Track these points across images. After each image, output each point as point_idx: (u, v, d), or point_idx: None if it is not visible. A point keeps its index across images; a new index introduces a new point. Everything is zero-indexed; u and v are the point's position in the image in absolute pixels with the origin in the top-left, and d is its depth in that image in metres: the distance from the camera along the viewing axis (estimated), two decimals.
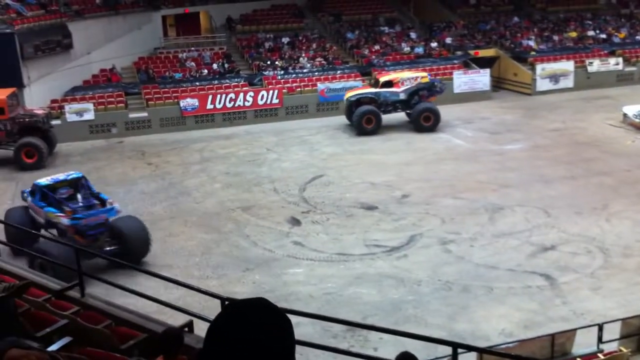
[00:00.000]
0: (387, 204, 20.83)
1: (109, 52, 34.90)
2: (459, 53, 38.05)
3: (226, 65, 35.14)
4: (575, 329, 11.56)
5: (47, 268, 11.67)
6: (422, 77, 30.93)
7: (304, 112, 33.16)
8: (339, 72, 34.97)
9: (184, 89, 32.87)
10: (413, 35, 40.14)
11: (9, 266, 9.09)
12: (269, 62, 35.65)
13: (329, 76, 34.37)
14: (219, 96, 32.23)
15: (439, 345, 8.20)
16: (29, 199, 18.22)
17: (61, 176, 18.69)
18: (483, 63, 37.24)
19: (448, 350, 6.99)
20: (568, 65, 37.36)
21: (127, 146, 29.37)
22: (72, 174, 18.67)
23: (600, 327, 11.18)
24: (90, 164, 26.50)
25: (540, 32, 41.18)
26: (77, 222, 16.72)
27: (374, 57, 36.99)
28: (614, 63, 38.10)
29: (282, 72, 34.93)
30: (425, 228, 18.85)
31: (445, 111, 33.25)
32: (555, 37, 40.41)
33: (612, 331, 11.43)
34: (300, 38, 38.78)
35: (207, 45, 37.69)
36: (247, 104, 32.60)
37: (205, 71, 34.69)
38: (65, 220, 16.75)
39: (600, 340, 11.20)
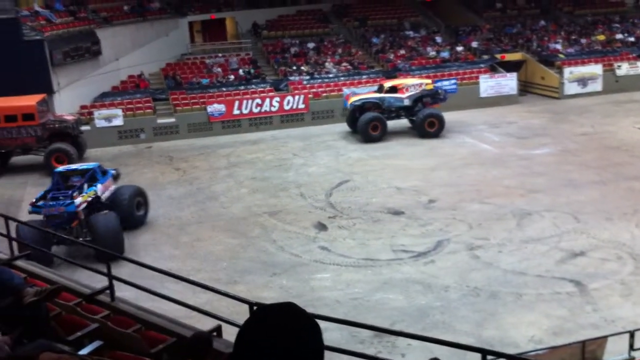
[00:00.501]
0: (414, 209, 20.75)
1: (137, 58, 35.31)
2: (485, 57, 37.84)
3: (252, 71, 35.31)
4: (606, 336, 11.40)
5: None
6: (427, 84, 30.81)
7: (330, 117, 33.20)
8: (364, 76, 34.97)
9: (210, 94, 33.11)
10: (438, 39, 40.01)
11: (40, 270, 9.21)
12: (294, 68, 35.78)
13: (355, 81, 34.37)
14: (245, 102, 32.41)
15: (467, 352, 8.13)
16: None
17: (75, 166, 20.08)
18: (510, 67, 36.99)
19: (477, 357, 6.92)
20: (596, 69, 36.97)
21: (155, 151, 29.64)
22: (86, 165, 20.24)
23: (632, 334, 11.01)
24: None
25: (568, 35, 40.80)
26: (37, 211, 18.10)
27: (399, 61, 36.95)
28: None
29: (308, 77, 35.03)
30: (452, 233, 18.74)
31: (471, 115, 33.13)
32: (583, 41, 40.02)
33: None
34: (326, 43, 38.85)
35: (233, 51, 37.96)
36: (273, 109, 32.74)
37: (232, 77, 34.90)
38: (29, 208, 18.34)
39: (631, 347, 11.03)
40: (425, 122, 29.35)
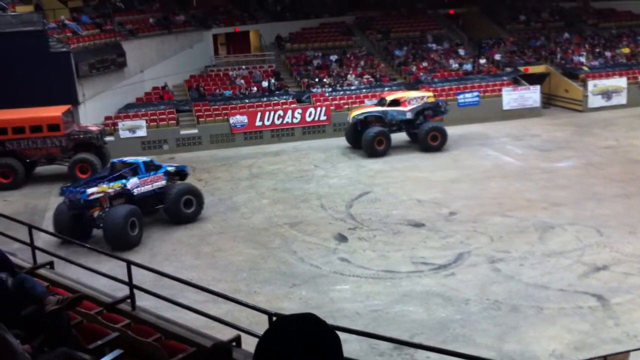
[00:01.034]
0: (434, 222, 20.68)
1: (161, 70, 35.68)
2: (508, 69, 37.71)
3: (275, 83, 35.50)
4: (628, 351, 11.25)
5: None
6: (428, 97, 30.62)
7: None
8: (386, 89, 34.97)
9: (233, 106, 33.32)
10: (461, 52, 39.96)
11: (62, 279, 9.32)
12: (317, 80, 35.91)
13: (377, 93, 34.42)
14: (267, 113, 32.57)
15: None
16: None
17: (127, 158, 22.52)
18: (533, 79, 36.80)
19: None
20: (621, 82, 36.65)
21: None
22: (133, 159, 22.16)
23: None
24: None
25: (592, 48, 40.53)
26: (63, 193, 20.26)
27: (421, 73, 36.93)
28: None
29: (330, 89, 35.13)
30: (473, 246, 18.64)
31: (494, 128, 32.99)
32: (607, 53, 39.72)
33: None
34: (348, 55, 38.97)
35: (256, 63, 38.20)
36: (295, 120, 32.86)
37: (255, 89, 35.12)
38: (59, 189, 21.23)
39: None
40: (428, 136, 29.11)
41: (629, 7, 44.86)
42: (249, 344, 7.61)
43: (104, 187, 20.11)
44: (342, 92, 34.93)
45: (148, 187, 21.23)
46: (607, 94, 36.48)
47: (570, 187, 23.38)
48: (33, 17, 30.69)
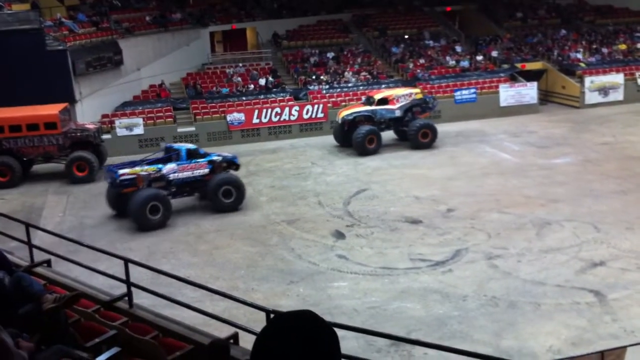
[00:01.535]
0: (432, 218, 20.70)
1: (158, 68, 35.64)
2: (505, 66, 37.73)
3: (272, 80, 35.48)
4: (625, 347, 11.26)
5: None
6: (416, 94, 30.63)
7: None
8: (383, 86, 34.98)
9: (230, 103, 33.31)
10: (458, 49, 39.97)
11: (60, 277, 9.32)
12: (314, 77, 35.90)
13: (374, 90, 34.41)
14: (264, 110, 32.56)
15: None
16: None
17: (176, 145, 24.04)
18: (530, 76, 36.82)
19: None
20: (618, 78, 36.72)
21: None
22: (177, 146, 23.42)
23: None
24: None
25: (589, 44, 40.56)
26: (106, 171, 22.54)
27: (418, 70, 36.94)
28: None
29: (327, 86, 35.13)
30: (470, 243, 18.66)
31: (491, 125, 33.02)
32: (604, 50, 39.76)
33: None
34: (346, 53, 38.96)
35: (253, 60, 38.17)
36: (292, 118, 32.86)
37: (252, 86, 35.10)
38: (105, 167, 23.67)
39: None
40: (419, 133, 29.17)
41: (626, 3, 44.91)
42: (247, 342, 7.63)
43: (136, 169, 21.44)
44: (339, 90, 34.93)
45: (187, 174, 22.16)
46: (604, 90, 36.53)
47: (568, 184, 23.42)
48: (30, 16, 30.63)
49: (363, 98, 32.33)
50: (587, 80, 36.50)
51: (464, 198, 22.40)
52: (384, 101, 30.07)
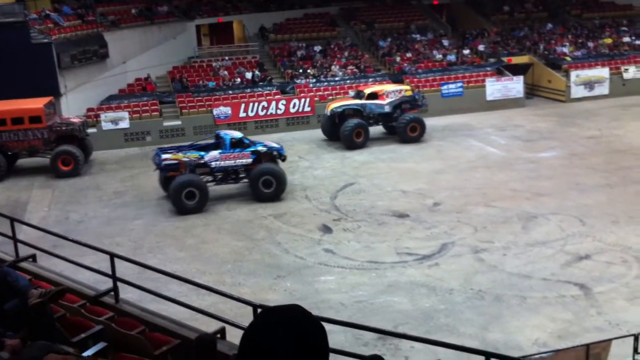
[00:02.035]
0: (419, 212, 20.75)
1: (144, 61, 35.43)
2: (491, 60, 37.84)
3: (259, 74, 35.38)
4: (610, 340, 11.38)
5: None
6: (406, 91, 30.73)
7: None
8: (370, 80, 34.97)
9: (217, 97, 33.18)
10: (445, 42, 40.02)
11: (45, 272, 9.26)
12: (301, 71, 35.83)
13: (361, 84, 34.41)
14: (251, 104, 32.47)
15: (471, 355, 8.14)
16: None
17: (223, 132, 24.06)
18: (516, 70, 36.95)
19: (481, 359, 6.95)
20: (603, 72, 36.92)
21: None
22: (223, 133, 23.60)
23: (636, 338, 11.00)
24: (125, 171, 26.93)
25: (575, 38, 40.75)
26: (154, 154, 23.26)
27: (405, 64, 36.96)
28: None
29: (314, 80, 35.08)
30: (457, 236, 18.74)
31: (478, 119, 33.13)
32: (590, 44, 39.96)
33: None
34: (333, 46, 38.91)
35: (240, 54, 38.03)
36: (279, 112, 32.80)
37: (239, 80, 34.98)
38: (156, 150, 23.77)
39: (635, 350, 11.02)
40: (408, 127, 29.28)
41: None
42: (234, 336, 7.62)
43: (179, 155, 22.15)
44: (326, 83, 34.89)
45: (229, 162, 22.61)
46: (589, 84, 36.73)
47: (554, 178, 23.54)
48: (15, 9, 30.36)
49: (350, 92, 32.35)
50: (573, 74, 36.67)
51: (451, 192, 22.47)
52: (373, 96, 30.09)
